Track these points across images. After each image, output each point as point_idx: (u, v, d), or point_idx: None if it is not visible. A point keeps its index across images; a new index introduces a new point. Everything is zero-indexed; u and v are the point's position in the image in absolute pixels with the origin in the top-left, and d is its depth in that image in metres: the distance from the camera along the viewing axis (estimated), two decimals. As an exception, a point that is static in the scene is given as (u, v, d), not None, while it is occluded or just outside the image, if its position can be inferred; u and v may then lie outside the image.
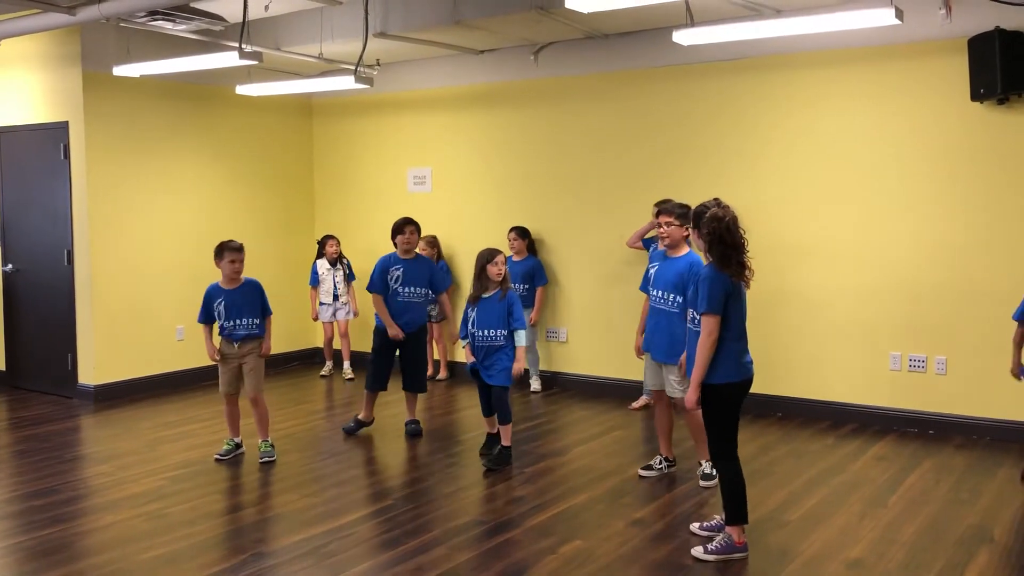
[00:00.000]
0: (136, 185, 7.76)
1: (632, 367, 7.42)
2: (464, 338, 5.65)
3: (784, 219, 6.73)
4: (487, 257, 5.57)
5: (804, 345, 6.75)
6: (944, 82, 6.12)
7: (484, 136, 8.22)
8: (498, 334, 5.52)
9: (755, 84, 6.85)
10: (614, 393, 7.51)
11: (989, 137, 6.02)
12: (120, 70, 7.01)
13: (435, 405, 7.37)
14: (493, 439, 5.71)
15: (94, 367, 7.50)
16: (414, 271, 6.23)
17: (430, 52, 7.90)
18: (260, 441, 5.77)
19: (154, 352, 7.90)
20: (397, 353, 6.33)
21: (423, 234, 8.17)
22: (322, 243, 8.54)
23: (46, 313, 7.81)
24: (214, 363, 5.79)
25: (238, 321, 5.66)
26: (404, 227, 6.23)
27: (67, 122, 7.46)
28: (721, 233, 4.01)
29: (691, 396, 4.11)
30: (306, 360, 9.25)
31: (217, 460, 5.74)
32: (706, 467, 5.17)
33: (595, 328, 7.72)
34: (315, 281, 8.54)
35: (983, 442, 6.06)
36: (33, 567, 4.08)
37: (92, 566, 4.08)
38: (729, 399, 4.11)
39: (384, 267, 6.24)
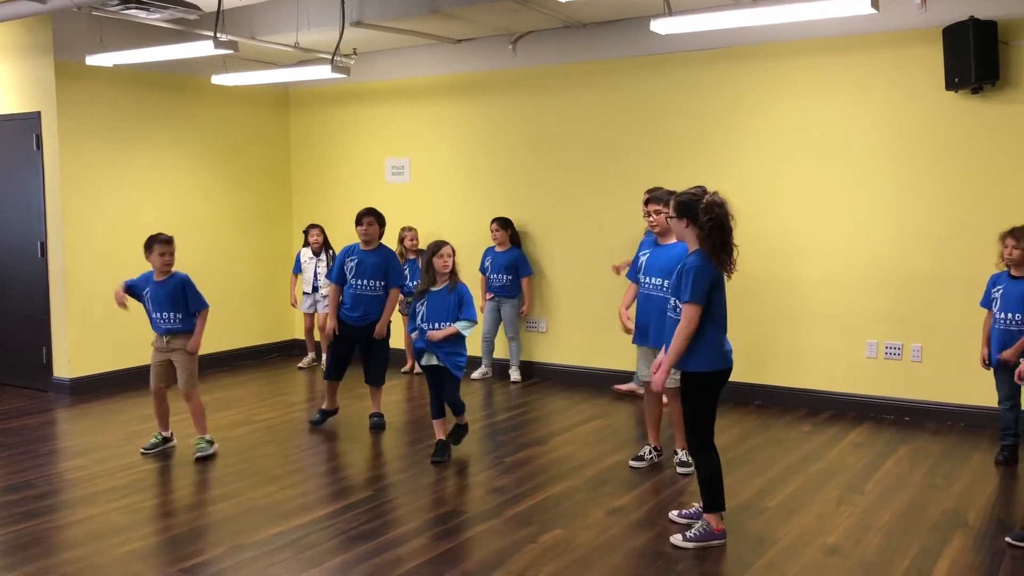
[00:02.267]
0: (110, 176, 7.67)
1: (611, 356, 7.45)
2: (412, 331, 5.48)
3: (760, 208, 6.76)
4: (433, 249, 5.42)
5: (782, 333, 6.79)
6: (919, 71, 6.16)
7: (463, 126, 8.19)
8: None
9: (732, 73, 6.86)
10: (594, 382, 7.52)
11: (963, 126, 6.07)
12: (93, 59, 6.92)
13: (413, 397, 7.35)
14: (444, 445, 5.55)
15: (69, 360, 7.42)
16: (369, 263, 6.10)
17: (407, 41, 7.85)
18: (196, 437, 5.68)
19: (130, 345, 7.81)
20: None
21: (407, 225, 8.19)
22: (306, 232, 8.51)
23: (20, 306, 7.72)
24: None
25: (160, 315, 5.57)
26: (363, 218, 6.14)
27: (39, 112, 7.35)
28: (722, 220, 4.00)
29: (659, 379, 4.12)
30: (284, 352, 9.21)
31: (143, 454, 5.67)
32: (682, 455, 5.20)
33: (575, 318, 7.73)
34: (297, 269, 8.53)
35: (957, 428, 6.12)
36: (7, 562, 4.03)
37: (67, 560, 4.05)
38: (709, 387, 4.13)
39: (343, 256, 6.21)
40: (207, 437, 5.69)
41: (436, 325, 5.35)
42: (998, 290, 5.24)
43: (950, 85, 5.96)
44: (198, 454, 5.58)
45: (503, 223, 7.71)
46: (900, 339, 6.39)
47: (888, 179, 6.36)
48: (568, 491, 4.94)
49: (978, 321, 5.90)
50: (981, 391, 6.00)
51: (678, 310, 4.09)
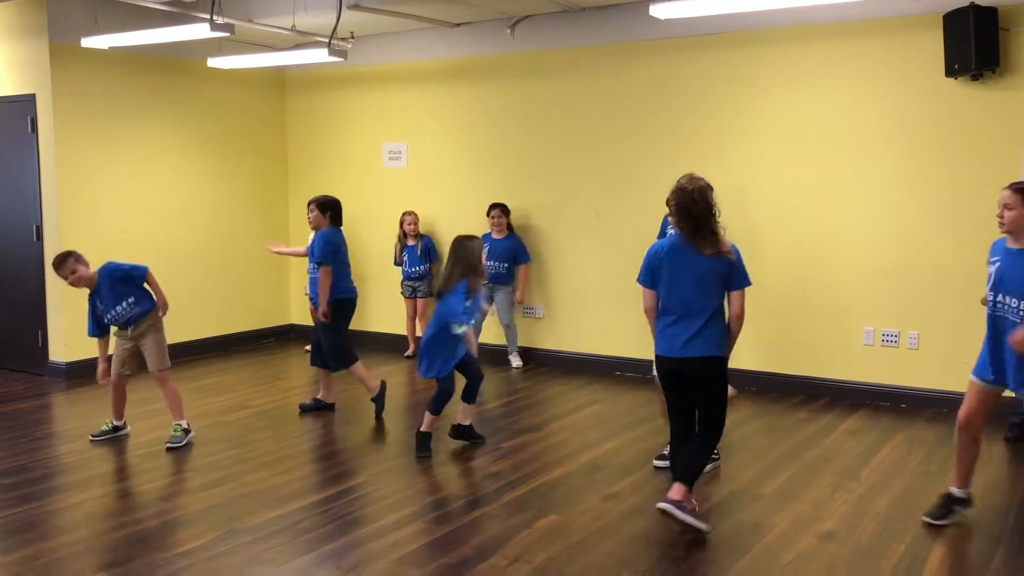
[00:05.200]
0: (106, 159, 7.63)
1: (608, 343, 7.45)
2: (465, 324, 5.34)
3: (757, 195, 6.74)
4: (482, 247, 5.38)
5: (777, 320, 6.79)
6: (919, 58, 6.13)
7: (460, 111, 8.15)
8: None
9: (731, 59, 6.83)
10: (590, 368, 7.52)
11: (963, 113, 6.05)
12: (88, 41, 6.87)
13: (413, 381, 7.35)
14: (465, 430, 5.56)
15: (64, 344, 7.40)
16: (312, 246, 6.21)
17: (405, 25, 7.80)
18: (173, 424, 5.57)
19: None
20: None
21: (407, 210, 8.14)
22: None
23: (15, 290, 7.69)
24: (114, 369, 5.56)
25: (115, 310, 5.43)
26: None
27: (34, 95, 7.31)
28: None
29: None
30: (280, 336, 9.19)
31: (92, 441, 5.61)
32: None
33: (573, 304, 7.72)
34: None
35: (953, 415, 6.09)
36: (3, 545, 4.03)
37: (63, 544, 4.04)
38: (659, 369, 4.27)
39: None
40: (183, 425, 5.55)
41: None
42: None
43: (950, 72, 5.93)
44: (171, 445, 5.44)
45: (505, 209, 7.68)
46: (897, 326, 6.39)
47: (886, 165, 6.34)
48: (564, 477, 4.94)
49: (977, 308, 5.88)
50: (977, 379, 6.00)
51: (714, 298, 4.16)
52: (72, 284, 5.43)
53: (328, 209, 6.16)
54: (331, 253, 6.07)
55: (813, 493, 4.65)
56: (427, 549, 3.97)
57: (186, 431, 5.58)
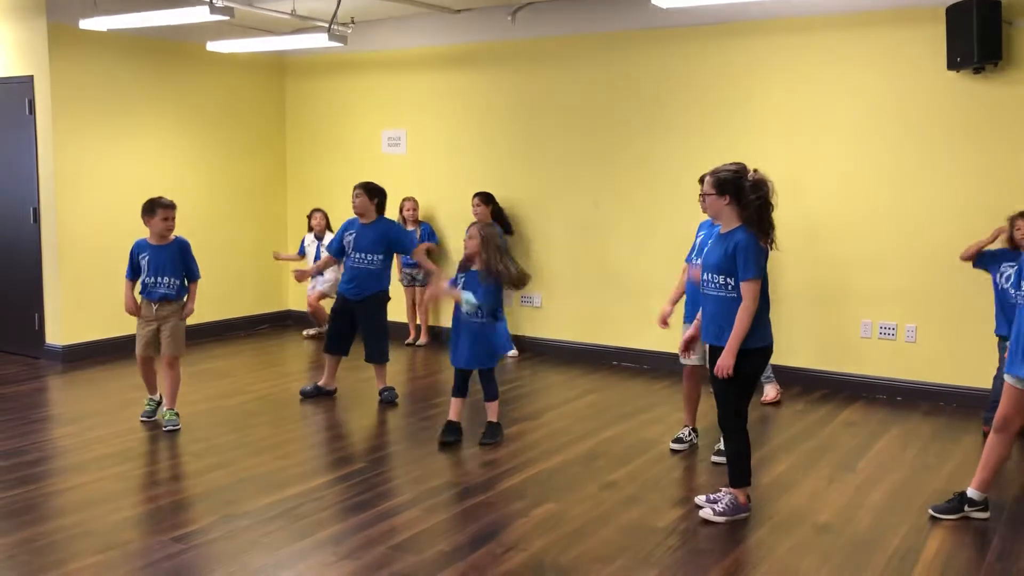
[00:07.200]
0: (104, 142, 7.59)
1: (605, 332, 7.46)
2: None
3: (759, 186, 6.73)
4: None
5: (776, 311, 6.76)
6: (921, 50, 6.12)
7: (460, 97, 8.12)
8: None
9: (733, 49, 6.81)
10: (587, 358, 7.53)
11: (964, 106, 6.04)
12: (87, 23, 6.82)
13: (413, 367, 7.35)
14: (454, 427, 5.35)
15: (61, 327, 7.38)
16: (367, 236, 6.07)
17: (405, 10, 7.76)
18: (166, 409, 5.60)
19: (123, 312, 7.76)
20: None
21: (407, 196, 8.11)
22: (309, 216, 8.48)
23: (12, 272, 7.67)
24: (131, 316, 5.66)
25: (159, 279, 5.51)
26: (353, 189, 6.14)
27: (32, 76, 7.26)
28: (768, 198, 4.01)
29: (729, 362, 4.00)
30: (276, 323, 9.18)
31: (143, 422, 5.64)
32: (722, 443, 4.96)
33: (570, 293, 7.71)
34: (302, 251, 8.54)
35: (949, 409, 6.15)
36: (0, 528, 4.03)
37: (60, 527, 4.04)
38: (760, 364, 4.15)
39: (344, 229, 6.22)
40: (175, 411, 5.61)
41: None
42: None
43: (952, 64, 5.92)
44: (169, 427, 5.49)
45: (485, 198, 7.59)
46: (895, 319, 6.40)
47: (886, 158, 6.33)
48: (561, 465, 4.95)
49: (975, 302, 5.91)
50: (974, 372, 6.02)
51: (714, 284, 4.08)
52: (167, 229, 5.54)
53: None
54: None
55: (809, 485, 4.66)
56: (424, 536, 3.97)
57: (177, 414, 5.60)
